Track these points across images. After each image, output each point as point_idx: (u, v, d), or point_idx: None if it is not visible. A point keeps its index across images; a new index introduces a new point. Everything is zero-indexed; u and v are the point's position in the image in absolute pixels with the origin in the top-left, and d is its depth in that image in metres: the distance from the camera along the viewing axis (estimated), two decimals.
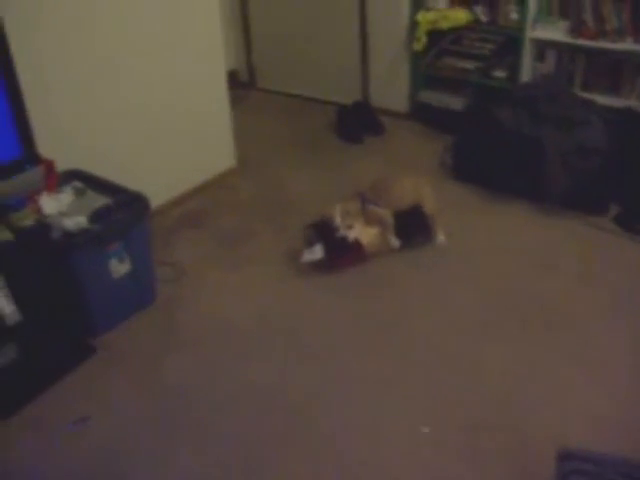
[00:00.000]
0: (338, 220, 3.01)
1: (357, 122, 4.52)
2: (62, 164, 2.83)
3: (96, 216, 2.67)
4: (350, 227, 3.04)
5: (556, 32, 3.87)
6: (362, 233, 3.11)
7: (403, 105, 4.64)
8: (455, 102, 4.33)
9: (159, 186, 3.60)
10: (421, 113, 4.56)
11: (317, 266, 3.11)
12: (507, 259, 3.16)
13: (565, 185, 3.42)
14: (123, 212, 2.74)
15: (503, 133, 3.59)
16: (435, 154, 4.13)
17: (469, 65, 4.25)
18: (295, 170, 4.07)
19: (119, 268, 2.79)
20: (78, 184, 2.93)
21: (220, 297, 3.03)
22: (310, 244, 3.13)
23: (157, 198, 3.55)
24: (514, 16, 3.97)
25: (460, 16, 4.12)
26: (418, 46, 4.28)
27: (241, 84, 5.44)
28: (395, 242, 3.21)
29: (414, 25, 4.26)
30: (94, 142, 3.20)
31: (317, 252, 3.08)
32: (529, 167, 3.50)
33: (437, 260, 3.19)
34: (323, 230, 3.11)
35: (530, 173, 3.51)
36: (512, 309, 2.85)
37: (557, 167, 3.41)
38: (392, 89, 4.63)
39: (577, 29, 3.80)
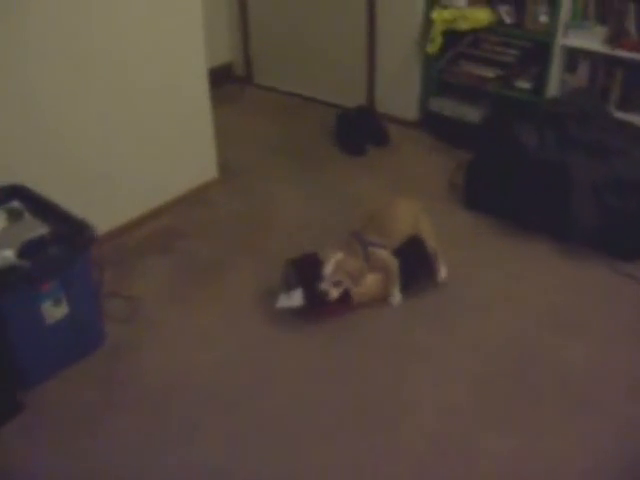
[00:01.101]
0: (328, 270, 2.52)
1: (359, 130, 4.02)
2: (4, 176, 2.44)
3: (27, 250, 2.22)
4: (338, 283, 2.54)
5: (591, 40, 3.35)
6: (357, 286, 2.61)
7: (412, 113, 4.13)
8: (470, 113, 3.82)
9: (125, 200, 3.14)
10: (431, 123, 4.05)
11: (295, 312, 2.63)
12: (520, 313, 2.67)
13: (594, 224, 2.91)
14: (61, 245, 2.27)
15: (524, 156, 3.09)
16: (445, 172, 3.63)
17: (489, 72, 3.73)
18: (285, 185, 3.58)
19: (54, 312, 2.32)
20: (16, 205, 2.47)
21: (176, 346, 2.56)
22: (288, 286, 2.65)
23: (122, 214, 3.12)
24: (543, 19, 3.45)
25: (481, 16, 3.60)
26: (432, 48, 3.76)
27: (236, 79, 4.94)
28: (397, 298, 2.73)
29: (429, 24, 3.75)
30: (48, 150, 2.76)
31: (295, 299, 2.60)
32: (553, 199, 3.00)
33: (438, 312, 2.70)
34: (305, 271, 2.62)
35: (554, 206, 3.00)
36: (522, 382, 2.36)
37: (586, 202, 2.91)
38: (400, 94, 4.12)
39: (616, 38, 3.27)
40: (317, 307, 2.59)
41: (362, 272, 2.57)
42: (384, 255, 2.67)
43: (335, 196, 3.47)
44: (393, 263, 2.68)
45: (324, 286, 2.51)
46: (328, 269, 2.50)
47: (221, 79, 4.80)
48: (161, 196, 3.32)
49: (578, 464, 2.07)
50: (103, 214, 3.02)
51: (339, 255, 2.53)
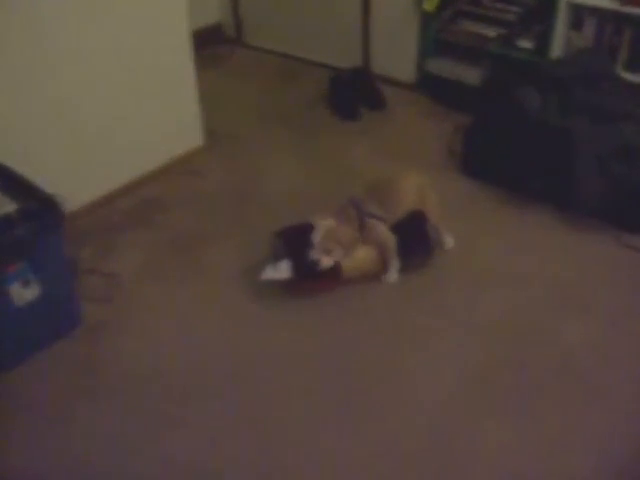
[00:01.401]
0: (317, 237, 2.36)
1: (354, 93, 3.83)
2: None
3: None
4: (328, 252, 2.38)
5: None
6: (348, 256, 2.45)
7: (409, 74, 3.93)
8: (470, 75, 3.63)
9: (107, 170, 2.99)
10: (429, 85, 3.86)
11: (283, 286, 2.49)
12: (521, 289, 2.53)
13: (599, 192, 2.75)
14: (28, 224, 2.11)
15: (526, 121, 2.91)
16: (443, 137, 3.46)
17: (489, 31, 3.53)
18: (276, 153, 3.41)
19: (23, 294, 2.18)
20: None
21: (156, 327, 2.42)
22: (276, 258, 2.50)
23: (103, 185, 2.98)
24: None
25: None
26: (429, 5, 3.56)
27: (226, 40, 4.72)
28: (393, 277, 2.58)
29: None
30: (27, 121, 2.61)
31: (283, 270, 2.45)
32: (556, 167, 2.83)
33: (435, 286, 2.56)
34: (294, 242, 2.47)
35: (557, 173, 2.84)
36: (522, 368, 2.22)
37: (591, 169, 2.74)
38: (397, 54, 3.92)
39: None
40: (304, 281, 2.44)
41: (354, 242, 2.42)
42: (381, 229, 2.51)
43: (328, 164, 3.30)
44: (390, 239, 2.52)
45: (314, 254, 2.36)
46: (317, 236, 2.35)
47: (210, 40, 4.59)
48: (144, 165, 3.16)
49: (582, 457, 1.94)
50: (83, 185, 2.90)
51: (330, 221, 2.38)
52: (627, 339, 2.32)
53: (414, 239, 2.60)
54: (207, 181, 3.20)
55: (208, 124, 3.44)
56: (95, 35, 2.72)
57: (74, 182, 2.81)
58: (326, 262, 2.37)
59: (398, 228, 2.54)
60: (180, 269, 2.67)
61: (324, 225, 2.37)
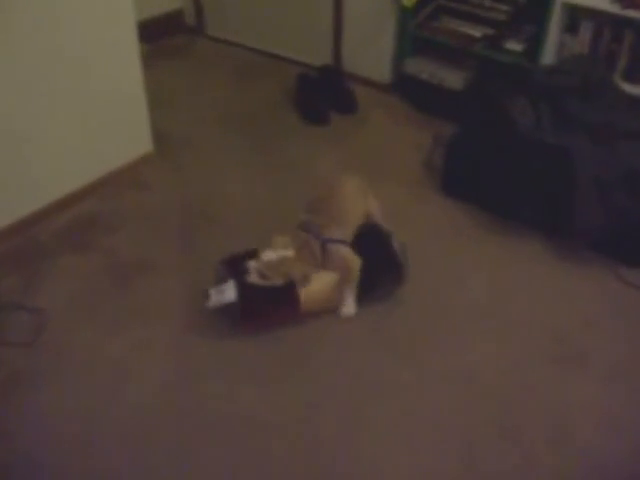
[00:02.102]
0: (266, 257, 2.07)
1: (323, 94, 3.47)
2: None
3: None
4: (264, 277, 2.07)
5: None
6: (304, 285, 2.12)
7: (383, 74, 3.58)
8: (451, 78, 3.29)
9: (37, 183, 2.60)
10: (406, 87, 3.51)
11: (233, 321, 2.14)
12: (507, 336, 2.20)
13: (597, 222, 2.43)
14: None
15: (515, 136, 2.59)
16: (420, 148, 3.12)
17: (475, 31, 3.19)
18: (234, 163, 3.04)
19: None
20: None
21: (86, 379, 2.05)
22: (219, 282, 2.15)
23: (33, 200, 2.60)
24: None
25: None
26: (409, 1, 3.19)
27: (186, 29, 4.31)
28: (351, 308, 2.23)
29: None
30: None
31: (228, 291, 2.11)
32: (550, 190, 2.51)
33: (404, 326, 2.22)
34: (239, 265, 2.13)
35: (550, 199, 2.52)
36: (511, 439, 1.89)
37: (590, 197, 2.43)
38: (371, 53, 3.56)
39: None
40: (250, 311, 2.11)
41: (307, 278, 2.10)
42: (345, 252, 2.18)
43: (291, 176, 2.94)
44: (355, 262, 2.18)
45: (250, 275, 2.07)
46: (267, 256, 2.05)
47: (169, 29, 4.21)
48: (82, 177, 2.76)
49: None
50: (8, 200, 2.49)
51: (288, 252, 2.07)
52: (635, 398, 2.00)
53: (379, 260, 2.24)
54: (155, 195, 2.82)
55: (159, 126, 3.07)
56: (27, 25, 2.31)
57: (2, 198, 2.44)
58: (254, 278, 2.06)
59: (358, 247, 2.21)
60: (117, 305, 2.29)
61: (280, 252, 2.06)
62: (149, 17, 4.09)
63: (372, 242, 2.26)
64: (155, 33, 4.10)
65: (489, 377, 2.05)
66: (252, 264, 2.07)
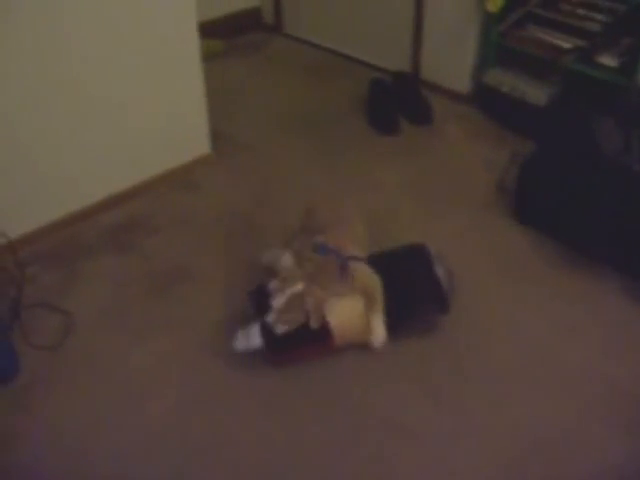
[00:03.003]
0: (279, 303, 1.85)
1: (396, 102, 3.27)
2: None
3: None
4: (288, 323, 1.86)
5: None
6: (334, 310, 1.92)
7: (462, 84, 3.34)
8: (535, 93, 3.02)
9: (85, 181, 2.53)
10: (485, 99, 3.26)
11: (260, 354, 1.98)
12: (566, 389, 1.94)
13: None
14: None
15: (601, 162, 2.32)
16: (495, 168, 2.86)
17: (565, 42, 2.91)
18: (291, 168, 2.89)
19: None
20: None
21: (100, 391, 1.93)
22: (248, 321, 1.99)
23: (81, 197, 2.53)
24: None
25: None
26: (494, 5, 2.95)
27: (264, 27, 4.20)
28: (380, 336, 1.93)
29: None
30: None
31: (253, 338, 1.93)
32: (634, 225, 2.23)
33: (445, 365, 1.99)
34: (265, 303, 1.94)
35: (633, 234, 2.23)
36: None
37: None
38: (451, 60, 3.33)
39: None
40: (275, 352, 1.93)
41: (330, 297, 1.91)
42: (365, 270, 1.96)
43: (349, 188, 2.76)
44: (375, 282, 1.95)
45: (269, 317, 1.85)
46: (279, 301, 1.84)
47: (246, 26, 4.12)
48: (133, 176, 2.68)
49: None
50: (54, 196, 2.43)
51: (297, 286, 1.85)
52: None
53: (420, 286, 2.01)
54: (205, 198, 2.70)
55: (221, 126, 2.97)
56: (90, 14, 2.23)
57: (45, 194, 2.38)
58: (283, 326, 1.85)
59: (396, 269, 1.99)
60: (148, 314, 2.18)
61: (288, 291, 1.85)
62: (228, 13, 4.02)
63: (414, 265, 2.05)
64: (232, 30, 4.02)
65: (536, 432, 1.80)
66: (271, 314, 1.86)
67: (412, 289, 2.01)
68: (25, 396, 1.90)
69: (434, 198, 2.70)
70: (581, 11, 2.87)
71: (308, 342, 1.91)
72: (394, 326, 1.96)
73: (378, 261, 2.01)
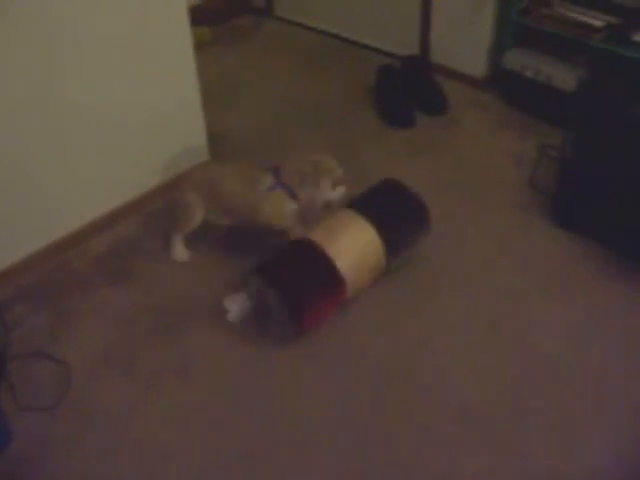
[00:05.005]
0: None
1: (408, 91, 2.98)
2: None
3: None
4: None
5: None
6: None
7: (478, 68, 3.05)
8: (562, 76, 2.74)
9: (76, 200, 2.24)
10: (505, 83, 2.98)
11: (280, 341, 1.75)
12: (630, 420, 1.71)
13: None
14: None
15: None
16: (522, 160, 2.61)
17: (594, 19, 2.62)
18: None
19: None
20: None
21: (102, 459, 1.68)
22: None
23: (69, 220, 2.24)
24: None
25: None
26: None
27: (253, 10, 3.89)
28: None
29: None
30: None
31: (240, 295, 1.89)
32: None
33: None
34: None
35: None
36: None
37: None
38: (465, 42, 3.04)
39: None
40: (296, 299, 1.82)
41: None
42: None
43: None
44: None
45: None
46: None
47: (235, 10, 3.79)
48: (124, 193, 2.39)
49: None
50: (40, 220, 2.14)
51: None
52: None
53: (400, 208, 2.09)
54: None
55: (217, 126, 2.71)
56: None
57: (31, 218, 2.10)
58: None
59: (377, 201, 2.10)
60: (154, 359, 1.91)
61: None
62: None
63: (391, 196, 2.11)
64: (219, 14, 3.70)
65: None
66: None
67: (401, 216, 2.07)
68: (19, 470, 1.63)
69: (462, 198, 2.45)
70: None
71: (322, 296, 1.86)
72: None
73: (361, 201, 2.06)
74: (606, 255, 2.16)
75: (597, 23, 2.62)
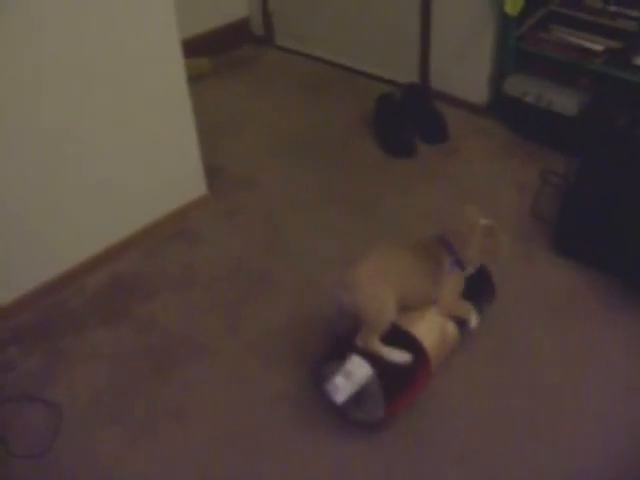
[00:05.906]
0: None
1: (407, 119, 2.95)
2: None
3: None
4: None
5: None
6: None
7: (479, 94, 3.02)
8: (563, 101, 2.71)
9: (71, 237, 2.21)
10: (506, 110, 2.94)
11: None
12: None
13: None
14: None
15: None
16: (524, 188, 2.57)
17: (595, 43, 2.59)
18: (299, 206, 2.58)
19: None
20: None
21: None
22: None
23: (61, 260, 2.21)
24: None
25: None
26: (512, 7, 2.64)
27: (254, 39, 3.89)
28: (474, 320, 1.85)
29: None
30: None
31: (358, 370, 1.61)
32: None
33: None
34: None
35: None
36: None
37: None
38: (465, 68, 3.01)
39: None
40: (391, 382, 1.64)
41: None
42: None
43: (369, 224, 2.45)
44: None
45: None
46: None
47: (235, 40, 3.81)
48: (120, 229, 2.36)
49: None
50: (33, 259, 2.11)
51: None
52: None
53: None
54: (206, 251, 2.38)
55: (215, 158, 2.68)
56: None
57: (22, 257, 2.07)
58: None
59: None
60: (149, 402, 1.87)
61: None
62: (214, 28, 3.70)
63: None
64: (219, 45, 3.70)
65: None
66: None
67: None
68: None
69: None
70: (612, 7, 2.54)
71: (414, 376, 1.69)
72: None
73: None
74: (609, 285, 2.10)
75: (597, 47, 2.58)
